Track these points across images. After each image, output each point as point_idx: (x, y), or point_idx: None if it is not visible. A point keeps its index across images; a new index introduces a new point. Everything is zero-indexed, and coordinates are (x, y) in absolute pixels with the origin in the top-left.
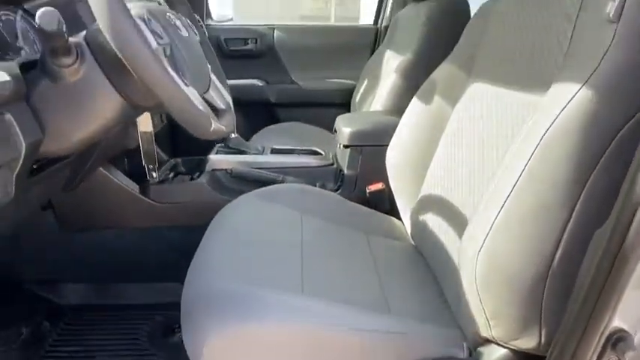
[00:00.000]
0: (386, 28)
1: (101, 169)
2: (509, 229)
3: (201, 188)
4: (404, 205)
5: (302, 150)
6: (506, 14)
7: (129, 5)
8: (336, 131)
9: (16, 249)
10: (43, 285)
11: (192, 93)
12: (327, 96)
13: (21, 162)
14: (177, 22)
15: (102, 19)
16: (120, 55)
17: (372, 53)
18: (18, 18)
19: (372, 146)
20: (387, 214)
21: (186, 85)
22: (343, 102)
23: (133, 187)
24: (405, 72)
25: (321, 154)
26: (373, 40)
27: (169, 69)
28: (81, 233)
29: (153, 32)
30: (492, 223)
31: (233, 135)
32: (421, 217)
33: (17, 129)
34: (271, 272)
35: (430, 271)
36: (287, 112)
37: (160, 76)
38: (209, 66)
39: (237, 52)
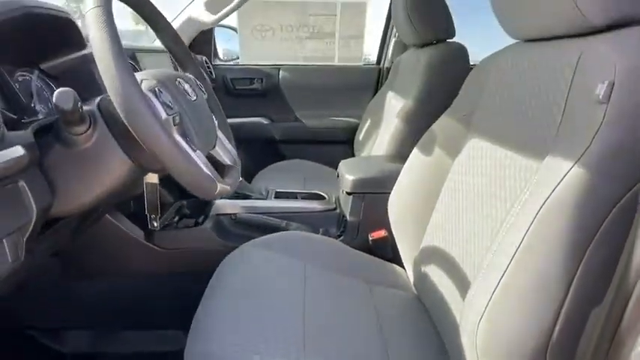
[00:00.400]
0: (388, 68)
1: (107, 215)
2: (508, 302)
3: (206, 234)
4: (406, 253)
5: (305, 194)
6: (505, 72)
7: (142, 76)
8: (339, 176)
9: (19, 295)
10: (46, 332)
11: (199, 157)
12: (331, 134)
13: (32, 226)
14: (186, 87)
15: (114, 94)
16: (130, 129)
17: (375, 92)
18: (34, 78)
19: (374, 194)
20: (389, 261)
21: (193, 150)
22: (346, 140)
23: (138, 233)
24: (406, 118)
25: (324, 198)
26: (376, 79)
27: (178, 138)
28: (85, 280)
29: (163, 104)
30: (492, 293)
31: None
32: (423, 269)
33: (30, 195)
34: (273, 331)
35: (432, 323)
36: (291, 150)
37: (168, 149)
38: (215, 122)
39: (243, 91)
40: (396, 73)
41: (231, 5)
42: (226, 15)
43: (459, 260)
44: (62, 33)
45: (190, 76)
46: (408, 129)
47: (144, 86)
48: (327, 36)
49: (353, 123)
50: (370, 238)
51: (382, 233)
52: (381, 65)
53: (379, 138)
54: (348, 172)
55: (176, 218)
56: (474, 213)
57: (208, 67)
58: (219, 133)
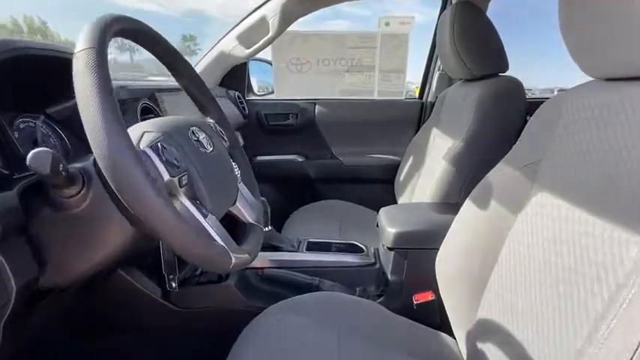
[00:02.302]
0: (432, 103)
1: (120, 270)
2: None
3: (229, 292)
4: (457, 322)
5: (341, 244)
6: (582, 114)
7: (144, 128)
8: (378, 225)
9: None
10: None
11: (211, 223)
12: (369, 173)
13: (10, 309)
14: (202, 136)
15: (98, 154)
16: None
17: (418, 129)
18: (39, 123)
19: (419, 249)
20: (436, 329)
21: (204, 214)
22: (386, 178)
23: (154, 290)
24: (454, 160)
25: (362, 250)
26: (418, 115)
27: (185, 202)
28: (94, 340)
29: (166, 162)
30: None
31: (266, 229)
32: (480, 344)
33: (8, 271)
34: None
35: None
36: (327, 189)
37: (163, 220)
38: (238, 173)
39: (277, 127)
40: (441, 108)
41: (266, 38)
42: (261, 49)
43: (531, 347)
44: (69, 74)
45: (210, 121)
46: (457, 173)
47: (144, 141)
48: (367, 69)
49: (394, 161)
50: (414, 302)
51: (428, 296)
52: (424, 99)
53: (422, 180)
54: (390, 224)
55: (198, 271)
56: (551, 290)
57: (241, 103)
58: (241, 186)
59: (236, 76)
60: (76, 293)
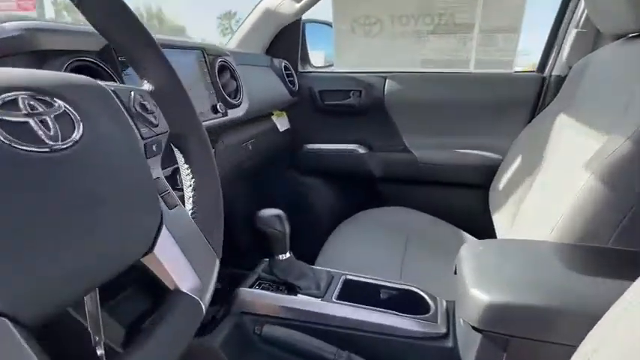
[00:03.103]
0: (559, 78)
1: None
2: None
3: (209, 356)
4: None
5: (395, 291)
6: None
7: None
8: (456, 272)
9: None
10: None
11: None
12: (455, 173)
13: None
14: (48, 115)
15: None
16: None
17: (533, 115)
18: None
19: (534, 341)
20: None
21: None
22: (478, 184)
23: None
24: (609, 173)
25: (426, 307)
26: (535, 95)
27: None
28: None
29: None
30: None
31: (283, 256)
32: None
33: None
34: None
35: None
36: (394, 192)
37: None
38: (160, 174)
39: (334, 107)
40: (579, 84)
41: None
42: (313, 3)
43: None
44: None
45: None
46: (613, 196)
47: None
48: (461, 29)
49: (492, 160)
50: None
51: None
52: (547, 73)
53: (541, 197)
54: (478, 282)
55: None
56: None
57: (289, 76)
58: (179, 218)
59: (287, 41)
60: None
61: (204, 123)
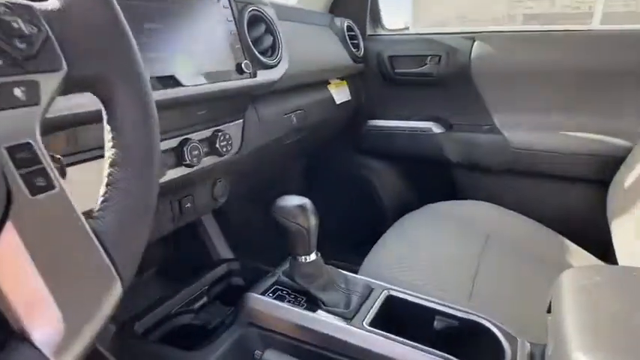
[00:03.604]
0: None
1: None
2: None
3: None
4: None
5: (458, 319)
6: None
7: None
8: (550, 310)
9: None
10: None
11: None
12: (560, 164)
13: None
14: None
15: None
16: None
17: None
18: None
19: None
20: None
21: None
22: (591, 178)
23: None
24: None
25: (500, 348)
26: None
27: None
28: None
29: None
30: None
31: (307, 258)
32: None
33: None
34: None
35: None
36: (475, 182)
37: None
38: None
39: (406, 76)
40: None
41: None
42: None
43: None
44: None
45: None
46: None
47: None
48: None
49: (615, 149)
50: None
51: None
52: None
53: None
54: (588, 343)
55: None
56: None
57: (354, 39)
58: None
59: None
60: None
61: (222, 84)
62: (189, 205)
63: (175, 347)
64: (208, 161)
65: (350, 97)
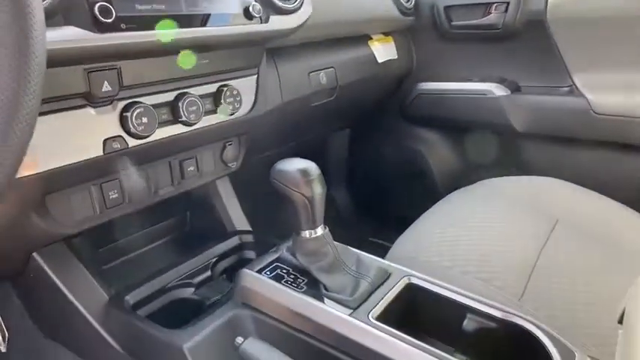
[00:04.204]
0: None
1: None
2: None
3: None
4: None
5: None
6: None
7: None
8: (621, 321)
9: None
10: None
11: None
12: None
13: None
14: None
15: None
16: None
17: None
18: None
19: None
20: None
21: None
22: None
23: None
24: None
25: None
26: None
27: None
28: None
29: None
30: None
31: (312, 233)
32: None
33: None
34: None
35: None
36: (545, 154)
37: None
38: None
39: (465, 30)
40: None
41: None
42: None
43: None
44: None
45: None
46: None
47: None
48: None
49: None
50: None
51: None
52: None
53: None
54: None
55: None
56: None
57: None
58: None
59: None
60: None
61: (224, 28)
62: (192, 168)
63: (161, 324)
64: (211, 120)
65: (396, 56)
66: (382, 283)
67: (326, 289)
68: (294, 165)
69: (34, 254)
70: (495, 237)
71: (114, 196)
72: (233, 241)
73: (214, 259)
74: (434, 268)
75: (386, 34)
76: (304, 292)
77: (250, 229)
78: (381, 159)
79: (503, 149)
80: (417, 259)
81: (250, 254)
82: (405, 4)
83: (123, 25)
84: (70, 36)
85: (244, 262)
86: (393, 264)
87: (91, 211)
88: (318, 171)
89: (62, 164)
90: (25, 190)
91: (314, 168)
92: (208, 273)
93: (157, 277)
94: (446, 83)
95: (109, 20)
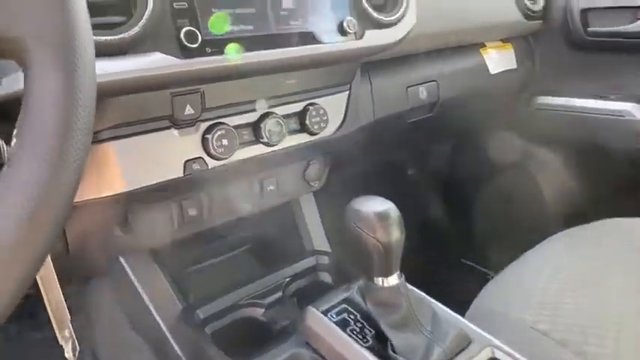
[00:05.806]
0: None
1: None
2: None
3: None
4: None
5: None
6: None
7: None
8: None
9: None
10: None
11: None
12: None
13: None
14: None
15: None
16: None
17: None
18: None
19: None
20: None
21: None
22: None
23: None
24: None
25: None
26: None
27: None
28: None
29: None
30: None
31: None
32: None
33: None
34: None
35: None
36: None
37: None
38: None
39: (605, 37)
40: None
41: None
42: None
43: None
44: None
45: None
46: None
47: None
48: None
49: None
50: None
51: None
52: None
53: None
54: None
55: None
56: None
57: None
58: None
59: None
60: None
61: (309, 47)
62: (272, 187)
63: (226, 342)
64: (294, 140)
65: (515, 65)
66: (459, 352)
67: (393, 350)
68: (372, 206)
69: (120, 257)
70: (614, 298)
71: (192, 213)
72: (309, 262)
73: (287, 279)
74: (525, 331)
75: (504, 40)
76: (369, 348)
77: (329, 249)
78: (485, 176)
79: (636, 183)
80: (507, 317)
81: (325, 276)
82: (530, 6)
83: (208, 49)
84: (156, 62)
85: (318, 286)
86: (475, 327)
87: (170, 227)
88: (397, 213)
89: (143, 184)
90: (108, 207)
91: (393, 210)
92: (280, 294)
93: (229, 293)
94: (572, 99)
95: (195, 45)
